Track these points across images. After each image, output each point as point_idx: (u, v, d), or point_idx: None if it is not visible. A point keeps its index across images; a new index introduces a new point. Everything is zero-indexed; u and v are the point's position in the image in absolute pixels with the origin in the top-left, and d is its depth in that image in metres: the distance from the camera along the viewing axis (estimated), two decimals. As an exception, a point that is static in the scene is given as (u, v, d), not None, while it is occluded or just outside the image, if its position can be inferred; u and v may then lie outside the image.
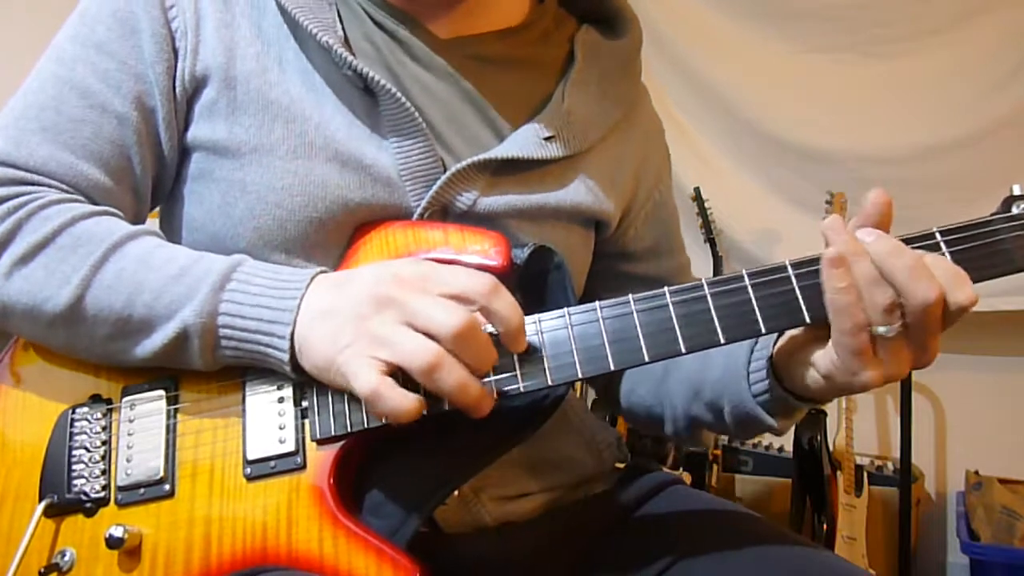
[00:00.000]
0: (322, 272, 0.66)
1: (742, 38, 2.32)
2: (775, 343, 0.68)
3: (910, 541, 2.09)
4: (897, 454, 2.11)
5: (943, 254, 0.60)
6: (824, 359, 0.62)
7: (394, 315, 0.60)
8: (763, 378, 0.68)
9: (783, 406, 0.68)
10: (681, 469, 2.14)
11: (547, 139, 0.76)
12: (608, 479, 0.85)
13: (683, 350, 0.62)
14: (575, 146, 0.78)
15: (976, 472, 2.16)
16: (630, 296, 0.63)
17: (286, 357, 0.63)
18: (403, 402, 0.58)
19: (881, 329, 0.58)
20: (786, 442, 2.21)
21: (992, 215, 0.62)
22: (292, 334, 0.63)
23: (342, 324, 0.61)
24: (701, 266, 2.25)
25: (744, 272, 0.62)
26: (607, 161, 0.82)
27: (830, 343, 0.61)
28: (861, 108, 2.24)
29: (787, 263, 0.62)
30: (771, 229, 2.30)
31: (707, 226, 2.26)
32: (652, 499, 0.84)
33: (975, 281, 0.59)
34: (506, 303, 0.61)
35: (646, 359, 0.62)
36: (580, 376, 0.62)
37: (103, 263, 0.66)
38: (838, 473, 2.05)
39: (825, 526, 2.01)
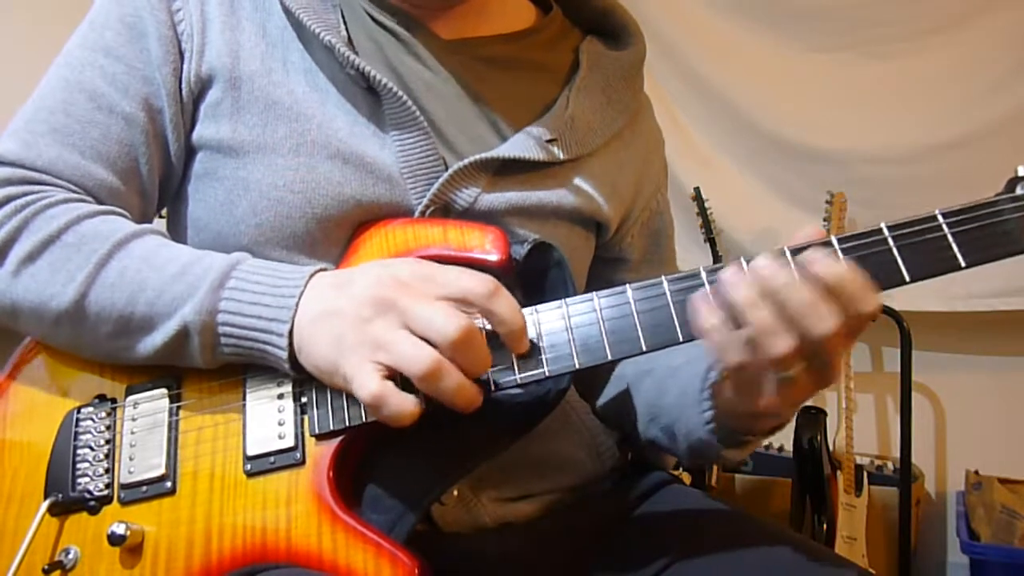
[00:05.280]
0: (321, 270, 0.67)
1: (742, 38, 2.32)
2: (719, 374, 0.68)
3: (910, 541, 2.09)
4: (897, 454, 2.11)
5: (949, 244, 0.60)
6: (727, 390, 0.64)
7: (394, 319, 0.60)
8: (709, 407, 0.69)
9: (730, 435, 0.69)
10: (680, 469, 2.13)
11: (549, 142, 0.77)
12: (607, 480, 0.86)
13: (680, 339, 0.62)
14: (576, 150, 0.79)
15: (976, 472, 2.16)
16: (627, 286, 0.64)
17: (285, 355, 0.63)
18: (404, 407, 0.59)
19: (779, 375, 0.58)
20: (786, 442, 2.21)
21: (996, 196, 0.61)
22: (291, 332, 0.63)
23: (344, 327, 0.61)
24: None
25: (742, 259, 0.62)
26: (608, 167, 0.83)
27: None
28: (861, 108, 2.23)
29: (785, 249, 0.62)
30: (771, 229, 2.30)
31: (707, 226, 2.26)
32: (650, 499, 0.84)
33: (979, 264, 0.59)
34: (507, 305, 0.61)
35: (643, 348, 0.62)
36: (577, 366, 0.62)
37: (107, 261, 0.67)
38: (838, 473, 2.05)
39: (825, 526, 2.01)
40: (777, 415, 0.63)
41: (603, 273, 0.89)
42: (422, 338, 0.59)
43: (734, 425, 0.68)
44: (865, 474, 2.10)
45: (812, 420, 2.03)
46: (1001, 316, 2.11)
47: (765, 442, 2.32)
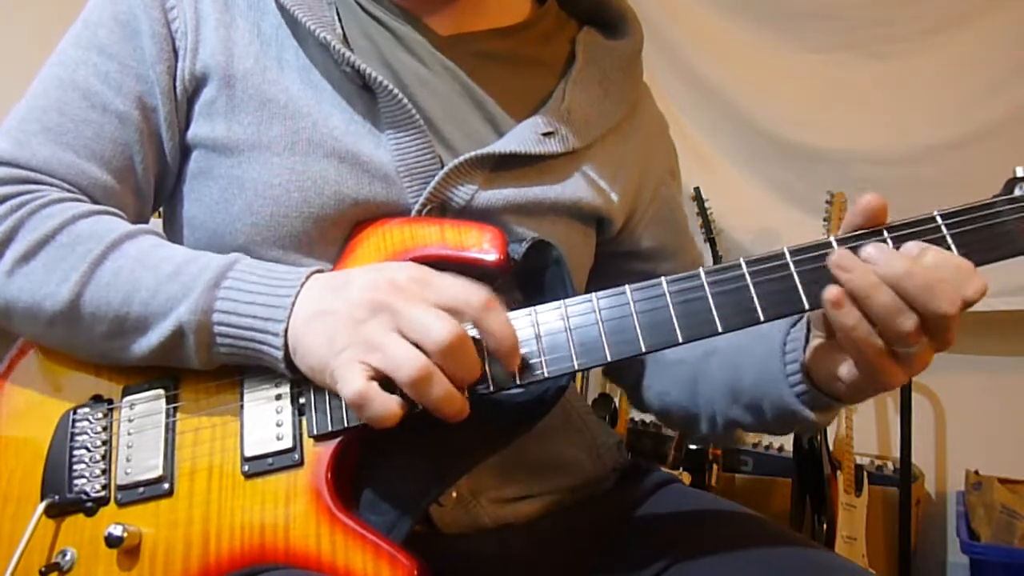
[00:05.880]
0: (317, 271, 0.66)
1: (742, 38, 2.32)
2: (804, 351, 0.68)
3: (910, 541, 2.09)
4: (897, 454, 2.11)
5: (947, 245, 0.60)
6: (848, 373, 0.63)
7: (387, 322, 0.60)
8: (799, 381, 0.68)
9: (823, 403, 0.68)
10: (681, 469, 2.14)
11: (546, 135, 0.77)
12: (608, 480, 0.86)
13: (680, 340, 0.61)
14: (574, 143, 0.78)
15: (976, 472, 2.16)
16: (626, 287, 0.63)
17: (280, 355, 0.63)
18: (388, 407, 0.58)
19: (903, 351, 0.58)
20: (786, 442, 2.21)
21: (994, 197, 0.61)
22: (286, 332, 0.63)
23: (337, 327, 0.61)
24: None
25: (742, 260, 0.62)
26: (608, 159, 0.82)
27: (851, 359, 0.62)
28: (861, 108, 2.24)
29: (785, 250, 0.61)
30: (771, 229, 2.30)
31: (707, 226, 2.27)
32: (651, 499, 0.84)
33: (977, 265, 0.59)
34: (498, 320, 0.61)
35: (643, 349, 0.62)
36: (576, 368, 0.62)
37: (101, 261, 0.66)
38: (838, 473, 2.05)
39: (825, 526, 2.01)
40: (899, 385, 0.63)
41: (620, 266, 0.88)
42: (414, 343, 0.59)
43: (846, 396, 0.67)
44: (865, 474, 2.10)
45: (812, 420, 2.02)
46: (1001, 316, 2.11)
47: (756, 439, 2.33)
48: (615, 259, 0.88)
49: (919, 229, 0.60)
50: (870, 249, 0.58)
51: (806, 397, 0.68)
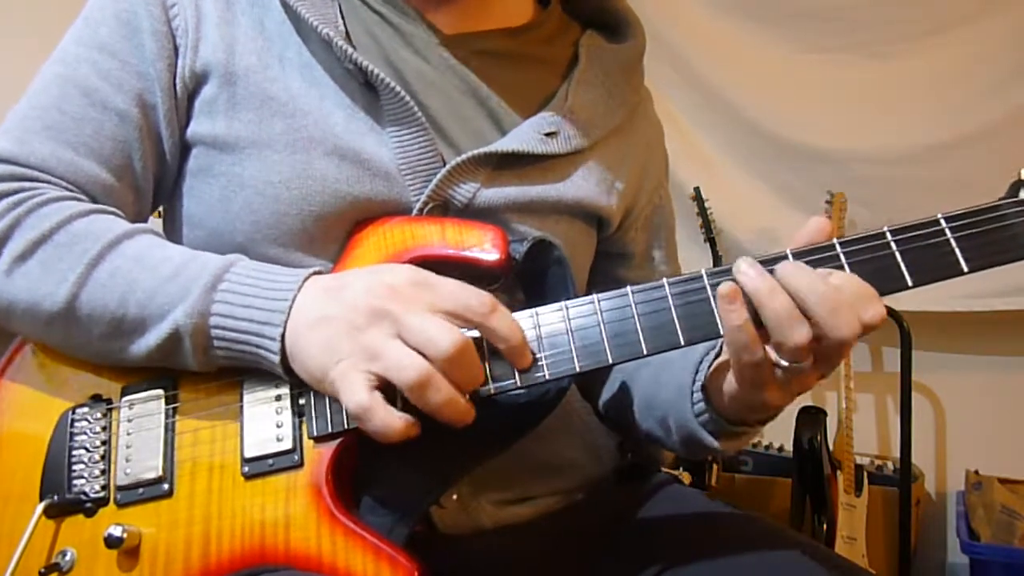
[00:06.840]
0: (316, 273, 0.66)
1: (742, 38, 2.32)
2: (710, 366, 0.68)
3: (910, 541, 2.09)
4: (897, 454, 2.11)
5: (952, 249, 0.59)
6: (729, 385, 0.63)
7: (387, 328, 0.60)
8: (700, 399, 0.69)
9: (722, 427, 0.69)
10: (681, 469, 2.13)
11: (549, 135, 0.77)
12: (607, 481, 0.86)
13: (682, 342, 0.61)
14: (577, 143, 0.79)
15: (976, 472, 2.15)
16: (628, 288, 0.63)
17: (277, 359, 0.63)
18: (390, 422, 0.58)
19: (790, 365, 0.58)
20: (786, 442, 2.20)
21: (1000, 200, 0.61)
22: (283, 336, 0.63)
23: (336, 335, 0.61)
24: (701, 265, 2.24)
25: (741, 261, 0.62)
26: (609, 160, 0.83)
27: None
28: (861, 108, 2.23)
29: (788, 252, 0.61)
30: (771, 229, 2.30)
31: (707, 226, 2.26)
32: (650, 500, 0.84)
33: (985, 268, 0.59)
34: (505, 322, 0.61)
35: (644, 352, 0.61)
36: (578, 370, 0.62)
37: (98, 262, 0.66)
38: (838, 473, 2.04)
39: (825, 526, 2.00)
40: (778, 407, 0.64)
41: (607, 269, 0.88)
42: (415, 349, 0.59)
43: (732, 416, 0.67)
44: (865, 474, 2.10)
45: (812, 420, 2.02)
46: (1001, 316, 2.10)
47: (756, 439, 2.33)
48: (603, 261, 0.88)
49: (923, 232, 0.60)
50: (781, 264, 0.59)
51: (704, 417, 0.68)
